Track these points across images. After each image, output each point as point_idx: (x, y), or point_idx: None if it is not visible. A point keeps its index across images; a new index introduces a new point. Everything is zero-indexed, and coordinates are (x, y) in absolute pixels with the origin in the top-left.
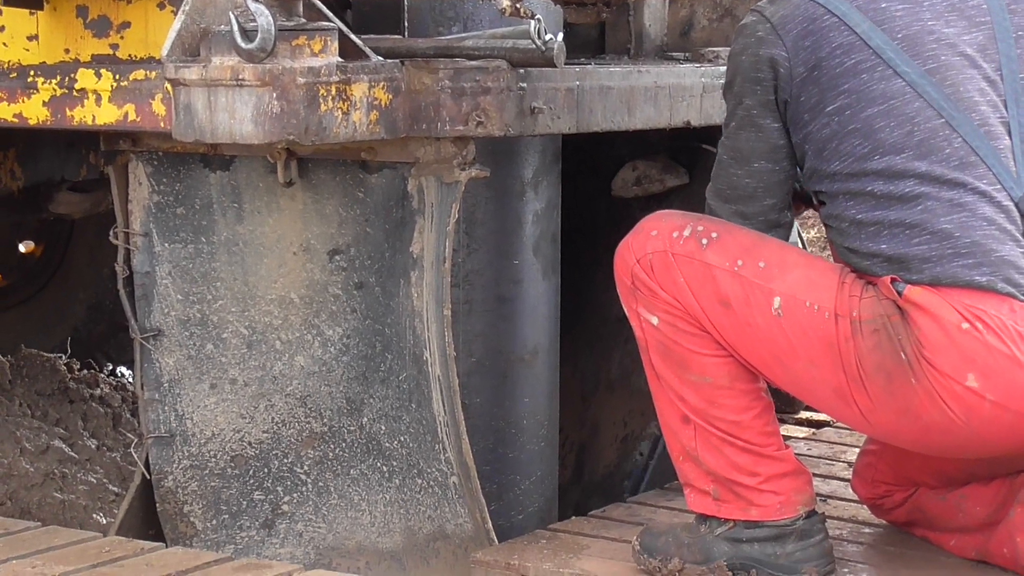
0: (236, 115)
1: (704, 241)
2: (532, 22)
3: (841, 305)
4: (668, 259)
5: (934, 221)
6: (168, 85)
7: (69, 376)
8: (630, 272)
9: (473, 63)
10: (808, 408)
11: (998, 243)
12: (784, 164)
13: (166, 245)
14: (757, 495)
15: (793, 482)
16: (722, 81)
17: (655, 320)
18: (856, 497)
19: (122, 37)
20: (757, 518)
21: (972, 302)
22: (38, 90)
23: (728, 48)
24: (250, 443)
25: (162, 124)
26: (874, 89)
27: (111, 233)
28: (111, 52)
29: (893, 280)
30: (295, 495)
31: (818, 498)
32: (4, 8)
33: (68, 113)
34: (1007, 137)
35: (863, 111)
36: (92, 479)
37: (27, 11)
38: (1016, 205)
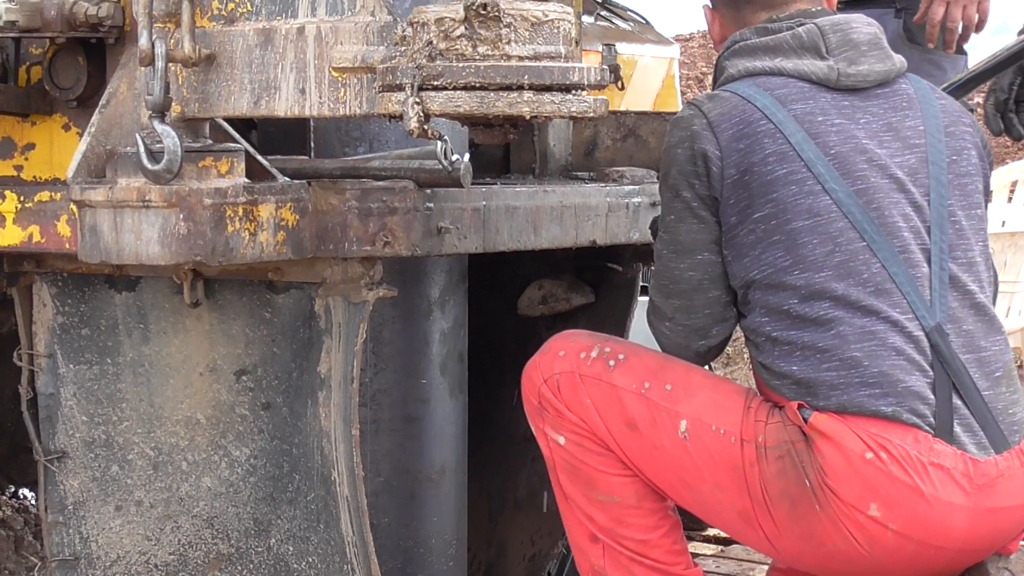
0: (142, 236)
1: (612, 363)
2: (438, 143)
3: (747, 430)
4: (575, 380)
5: (844, 348)
6: (74, 206)
7: None
8: (537, 392)
9: (380, 183)
10: None
11: (905, 373)
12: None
13: (71, 366)
14: None
15: None
16: (628, 200)
17: (562, 440)
18: None
19: (26, 159)
20: None
21: (877, 431)
22: None
23: (632, 168)
24: (156, 565)
25: (67, 245)
26: (801, 203)
27: (15, 355)
28: (15, 173)
29: (800, 406)
30: None
31: None
32: None
33: None
34: (926, 265)
35: (789, 223)
36: None
37: None
38: (927, 335)
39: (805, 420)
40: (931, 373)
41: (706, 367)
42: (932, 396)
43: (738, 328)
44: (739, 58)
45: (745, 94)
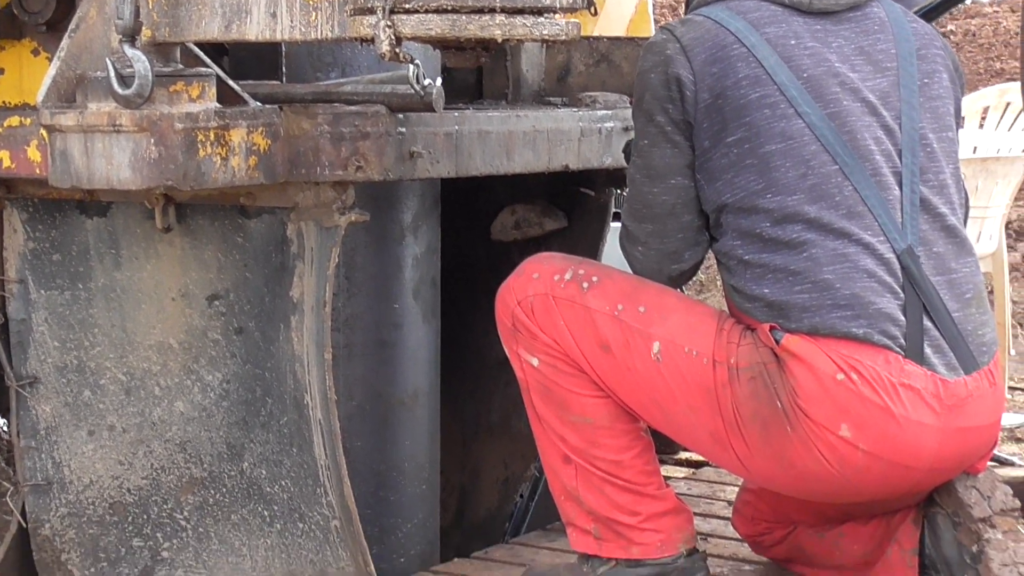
0: (113, 161)
1: (585, 285)
2: (410, 67)
3: (719, 351)
4: (549, 302)
5: (817, 270)
6: (44, 131)
7: None
8: (511, 314)
9: (352, 108)
10: (687, 449)
11: (876, 296)
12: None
13: (42, 292)
14: (638, 534)
15: (674, 520)
16: (600, 125)
17: (535, 362)
18: (736, 535)
19: None
20: (638, 556)
21: (848, 353)
22: None
23: (605, 93)
24: (129, 490)
25: (38, 171)
26: (774, 127)
27: None
28: None
29: (772, 328)
30: (175, 541)
31: (699, 536)
32: None
33: None
34: (897, 188)
35: (762, 147)
36: None
37: None
38: (898, 258)
39: (777, 342)
40: (902, 295)
41: (679, 290)
42: (903, 318)
43: (710, 254)
44: None
45: (718, 18)
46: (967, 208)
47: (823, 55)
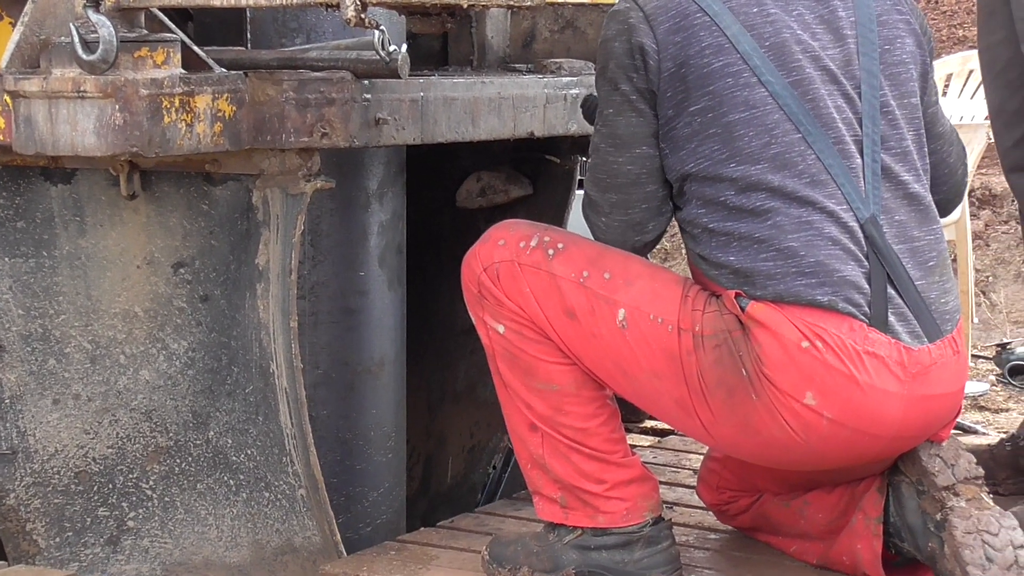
0: (78, 127)
1: (551, 252)
2: (376, 33)
3: (684, 319)
4: (515, 268)
5: (781, 238)
6: (7, 97)
7: None
8: (477, 280)
9: (317, 74)
10: (652, 417)
11: (841, 263)
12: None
13: (6, 259)
14: (604, 502)
15: (639, 488)
16: (566, 92)
17: (501, 328)
18: (702, 504)
19: None
20: (604, 525)
21: (813, 320)
22: None
23: (570, 60)
24: (94, 459)
25: (1, 137)
26: (737, 95)
27: None
28: None
29: (737, 295)
30: (141, 511)
31: (664, 505)
32: None
33: None
34: (859, 156)
35: (725, 116)
36: None
37: None
38: (861, 227)
39: (742, 309)
40: (866, 264)
41: (645, 258)
42: (867, 286)
43: (675, 222)
44: None
45: None
46: (965, 169)
47: (785, 23)
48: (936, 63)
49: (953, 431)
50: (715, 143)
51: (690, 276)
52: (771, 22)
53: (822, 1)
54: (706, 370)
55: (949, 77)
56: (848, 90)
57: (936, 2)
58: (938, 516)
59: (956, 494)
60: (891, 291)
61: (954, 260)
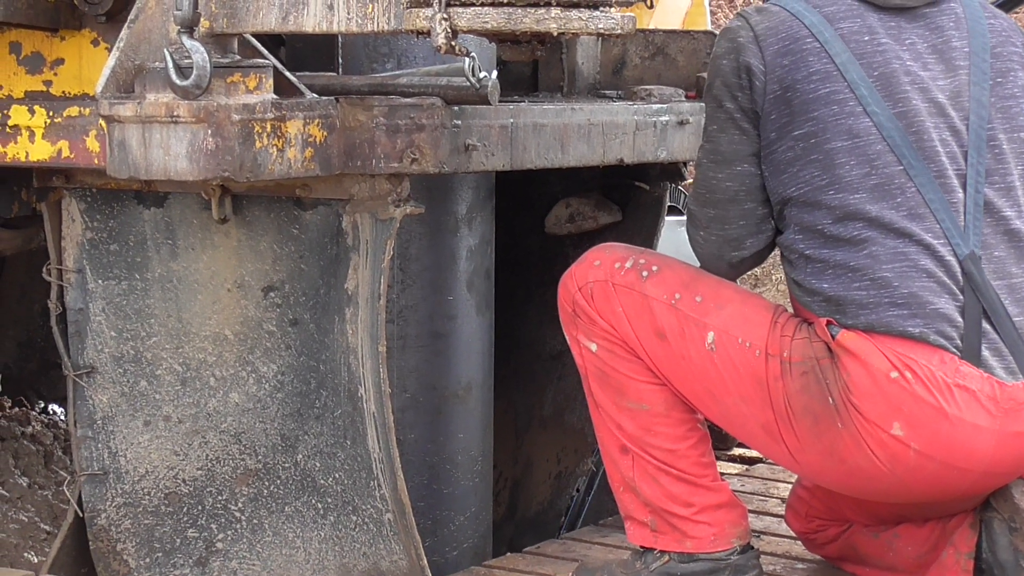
0: (171, 152)
1: (644, 273)
2: (466, 59)
3: (772, 344)
4: (608, 288)
5: (876, 268)
6: (102, 122)
7: (0, 414)
8: (571, 299)
9: (408, 100)
10: (741, 445)
11: (934, 296)
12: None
13: (99, 281)
14: (692, 526)
15: (728, 514)
16: (655, 119)
17: (594, 347)
18: (789, 533)
19: (56, 74)
20: (692, 550)
21: (903, 351)
22: None
23: (660, 87)
24: (184, 480)
25: (96, 160)
26: (842, 124)
27: (44, 270)
28: (45, 89)
29: (829, 323)
30: (229, 532)
31: (752, 533)
32: None
33: (1, 150)
34: (961, 190)
35: (828, 143)
36: (23, 517)
37: None
38: (960, 263)
39: (833, 337)
40: (961, 298)
41: (737, 282)
42: (960, 319)
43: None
44: None
45: (793, 10)
46: None
47: (896, 52)
48: None
49: None
50: (816, 169)
51: (780, 302)
52: (881, 51)
53: (936, 30)
54: (792, 396)
55: None
56: (955, 122)
57: None
58: None
59: None
60: (986, 326)
61: None
